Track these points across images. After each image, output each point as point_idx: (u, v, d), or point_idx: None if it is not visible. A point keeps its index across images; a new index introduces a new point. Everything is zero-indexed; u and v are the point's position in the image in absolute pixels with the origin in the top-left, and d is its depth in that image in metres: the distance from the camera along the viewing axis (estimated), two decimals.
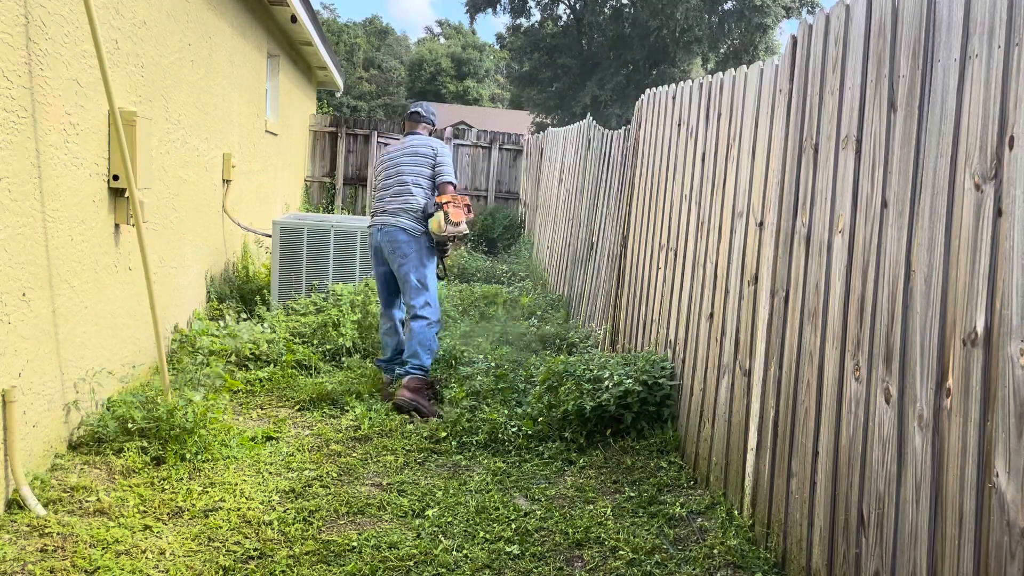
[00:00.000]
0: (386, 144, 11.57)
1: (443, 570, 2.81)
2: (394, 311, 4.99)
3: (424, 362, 4.64)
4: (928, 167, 2.15)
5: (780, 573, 2.85)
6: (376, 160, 5.19)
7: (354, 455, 3.88)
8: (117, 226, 3.90)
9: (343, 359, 5.40)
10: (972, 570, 1.86)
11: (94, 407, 3.69)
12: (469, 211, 4.74)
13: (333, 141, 12.69)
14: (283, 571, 2.73)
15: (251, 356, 5.08)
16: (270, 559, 2.81)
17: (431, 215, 4.66)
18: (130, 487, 3.25)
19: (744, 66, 3.67)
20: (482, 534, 3.08)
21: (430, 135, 5.09)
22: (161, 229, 4.64)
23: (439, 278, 5.00)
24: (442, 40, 59.59)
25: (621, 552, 2.97)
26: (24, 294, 3.01)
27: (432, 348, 4.71)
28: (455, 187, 4.78)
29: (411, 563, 2.84)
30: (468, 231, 4.74)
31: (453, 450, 4.02)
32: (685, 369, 4.00)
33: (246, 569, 2.73)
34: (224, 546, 2.87)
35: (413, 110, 5.14)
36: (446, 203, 4.60)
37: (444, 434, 4.15)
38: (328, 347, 5.43)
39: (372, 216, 4.90)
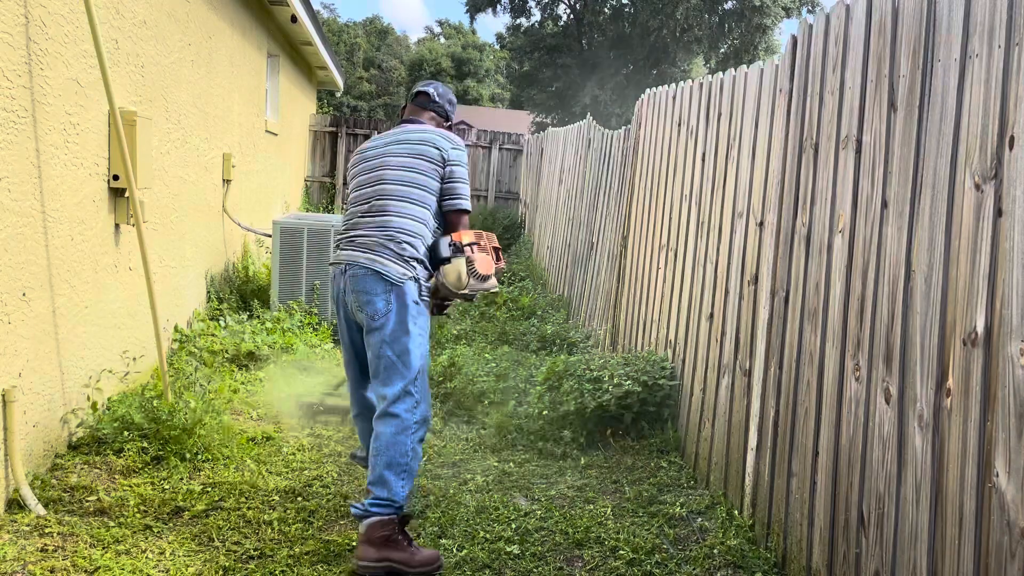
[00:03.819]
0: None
1: (443, 570, 2.81)
2: (369, 392, 3.20)
3: (395, 494, 2.81)
4: (928, 167, 2.15)
5: (780, 573, 2.85)
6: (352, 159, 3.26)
7: None
8: (117, 226, 3.90)
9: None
10: (972, 570, 1.86)
11: (94, 407, 3.69)
12: (499, 257, 3.12)
13: (333, 141, 12.69)
14: (283, 571, 2.73)
15: (251, 356, 5.08)
16: (270, 559, 2.81)
17: (444, 260, 2.99)
18: (130, 487, 3.25)
19: (744, 66, 3.67)
20: (482, 534, 3.08)
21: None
22: (161, 229, 4.64)
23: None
24: (442, 40, 59.57)
25: (621, 552, 2.97)
26: (24, 294, 3.01)
27: (409, 467, 2.86)
28: (468, 215, 3.13)
29: None
30: (498, 287, 3.11)
31: (453, 450, 4.02)
32: (685, 369, 4.00)
33: (246, 569, 2.73)
34: (224, 546, 2.87)
35: (420, 90, 3.32)
36: (470, 245, 3.00)
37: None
38: (328, 347, 5.43)
39: (336, 246, 3.12)
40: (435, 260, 3.01)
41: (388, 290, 2.89)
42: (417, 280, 2.95)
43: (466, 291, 2.98)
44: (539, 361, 5.46)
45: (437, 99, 3.29)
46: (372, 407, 3.16)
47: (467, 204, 3.10)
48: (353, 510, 2.84)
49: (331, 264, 3.09)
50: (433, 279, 3.04)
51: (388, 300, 2.89)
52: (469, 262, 2.96)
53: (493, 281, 3.02)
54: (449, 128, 3.32)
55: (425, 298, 3.00)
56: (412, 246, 2.94)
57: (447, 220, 3.09)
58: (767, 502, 3.00)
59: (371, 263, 2.90)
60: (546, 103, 28.90)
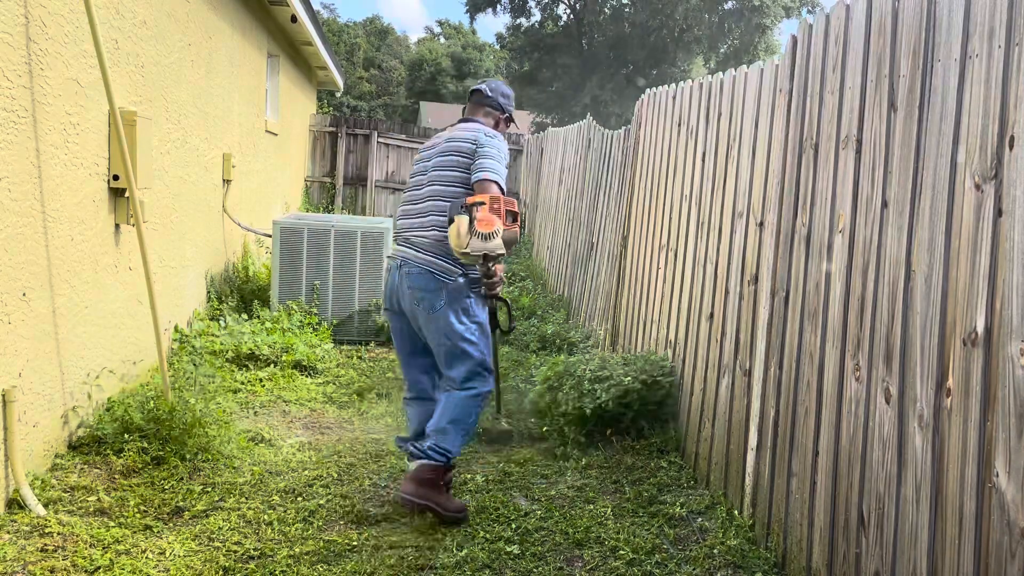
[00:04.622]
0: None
1: (443, 570, 2.81)
2: (420, 376, 3.46)
3: (453, 446, 3.19)
4: (928, 167, 2.15)
5: (780, 573, 2.85)
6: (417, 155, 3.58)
7: (354, 455, 3.88)
8: (117, 226, 3.90)
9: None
10: (972, 570, 1.86)
11: (94, 407, 3.69)
12: (515, 220, 3.12)
13: (333, 141, 12.69)
14: (283, 571, 2.73)
15: (251, 356, 5.08)
16: (270, 559, 2.81)
17: (451, 220, 3.11)
18: (130, 487, 3.25)
19: (744, 66, 3.67)
20: (482, 534, 3.08)
21: (496, 126, 3.53)
22: (161, 229, 4.64)
23: (502, 332, 3.54)
24: (442, 40, 59.57)
25: (621, 552, 2.97)
26: (24, 294, 3.01)
27: (469, 429, 3.26)
28: (502, 188, 3.17)
29: (411, 563, 2.84)
30: (504, 251, 3.08)
31: None
32: (685, 369, 4.00)
33: (246, 569, 2.73)
34: (224, 546, 2.87)
35: (474, 88, 3.60)
36: (478, 205, 3.04)
37: None
38: (328, 348, 5.43)
39: (394, 242, 3.43)
40: (448, 220, 3.13)
41: (442, 286, 3.18)
42: (467, 275, 3.21)
43: (467, 250, 3.01)
44: (539, 361, 5.46)
45: (490, 94, 3.54)
46: (425, 391, 3.45)
47: (491, 175, 3.15)
48: (410, 448, 3.19)
49: (389, 256, 3.38)
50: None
51: (441, 295, 3.17)
52: (471, 220, 3.01)
53: (498, 242, 3.02)
54: (508, 120, 3.58)
55: (476, 289, 3.26)
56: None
57: (473, 188, 3.19)
58: (767, 502, 3.00)
59: (425, 263, 3.20)
60: (546, 103, 28.90)
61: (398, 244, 3.35)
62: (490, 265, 3.11)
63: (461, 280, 3.20)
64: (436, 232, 3.20)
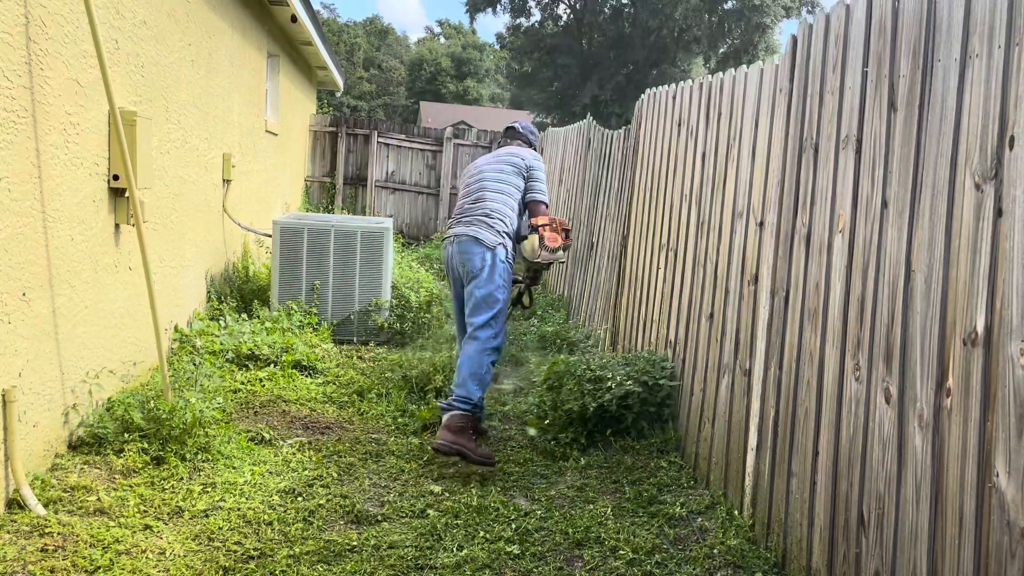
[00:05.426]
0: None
1: (443, 570, 2.81)
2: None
3: (471, 394, 3.91)
4: (928, 167, 2.15)
5: (780, 573, 2.85)
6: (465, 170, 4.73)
7: (354, 455, 3.88)
8: (117, 226, 3.90)
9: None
10: (972, 570, 1.86)
11: (94, 407, 3.69)
12: (567, 236, 4.24)
13: (333, 141, 12.69)
14: (283, 571, 2.73)
15: (251, 356, 5.08)
16: (270, 559, 2.81)
17: (524, 237, 4.28)
18: (130, 487, 3.25)
19: (744, 66, 3.67)
20: (482, 534, 3.08)
21: None
22: (161, 229, 4.64)
23: (524, 307, 4.55)
24: (442, 40, 59.58)
25: (621, 552, 2.97)
26: (24, 294, 3.01)
27: (483, 379, 3.99)
28: (547, 206, 4.34)
29: (411, 563, 2.84)
30: (564, 258, 4.21)
31: None
32: (685, 369, 4.00)
33: (246, 569, 2.73)
34: (224, 546, 2.87)
35: (508, 126, 4.83)
36: (543, 226, 4.17)
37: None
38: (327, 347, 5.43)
39: (449, 226, 4.36)
40: (520, 237, 4.29)
41: (484, 251, 4.10)
42: (504, 247, 4.15)
43: (539, 260, 4.18)
44: (539, 361, 5.46)
45: (521, 130, 4.75)
46: None
47: (543, 197, 4.33)
48: (441, 404, 3.96)
49: (444, 238, 4.32)
50: (518, 249, 4.29)
51: (483, 258, 4.09)
52: (540, 238, 4.16)
53: (560, 253, 4.19)
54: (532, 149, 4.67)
55: (510, 260, 4.18)
56: (501, 222, 4.17)
57: (529, 209, 4.32)
58: (767, 502, 3.00)
59: (473, 233, 4.13)
60: (546, 103, 28.92)
61: (452, 226, 4.29)
62: (547, 267, 4.30)
63: (500, 248, 4.11)
64: (483, 216, 4.17)
